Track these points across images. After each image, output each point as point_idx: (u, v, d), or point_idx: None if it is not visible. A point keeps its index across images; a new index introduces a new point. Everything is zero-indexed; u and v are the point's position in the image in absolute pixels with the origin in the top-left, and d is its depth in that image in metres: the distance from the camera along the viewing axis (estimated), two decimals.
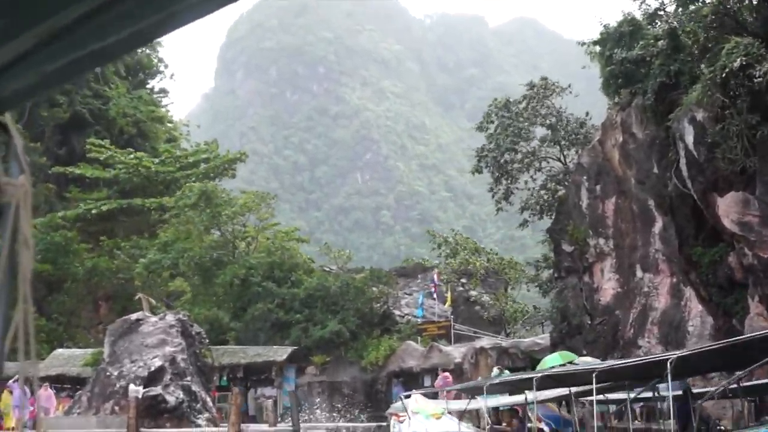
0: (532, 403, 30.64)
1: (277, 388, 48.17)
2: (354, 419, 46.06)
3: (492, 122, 50.51)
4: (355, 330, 49.82)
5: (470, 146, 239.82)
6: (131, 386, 35.53)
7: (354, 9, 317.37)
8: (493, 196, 50.85)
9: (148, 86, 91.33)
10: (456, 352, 46.93)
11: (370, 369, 48.74)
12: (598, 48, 43.21)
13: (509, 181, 49.46)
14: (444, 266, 55.97)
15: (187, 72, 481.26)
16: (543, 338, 45.78)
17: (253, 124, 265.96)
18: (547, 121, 48.79)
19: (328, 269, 56.96)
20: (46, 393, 40.16)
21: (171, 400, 37.25)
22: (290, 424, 38.74)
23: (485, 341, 47.07)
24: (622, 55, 39.89)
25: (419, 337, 49.96)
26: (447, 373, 43.39)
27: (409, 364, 47.99)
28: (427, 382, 47.18)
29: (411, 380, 48.04)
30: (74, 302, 60.82)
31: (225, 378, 48.21)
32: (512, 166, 49.09)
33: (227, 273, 52.01)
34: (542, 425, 31.83)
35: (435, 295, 51.43)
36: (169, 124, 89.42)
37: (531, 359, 44.11)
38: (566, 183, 46.31)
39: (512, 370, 42.56)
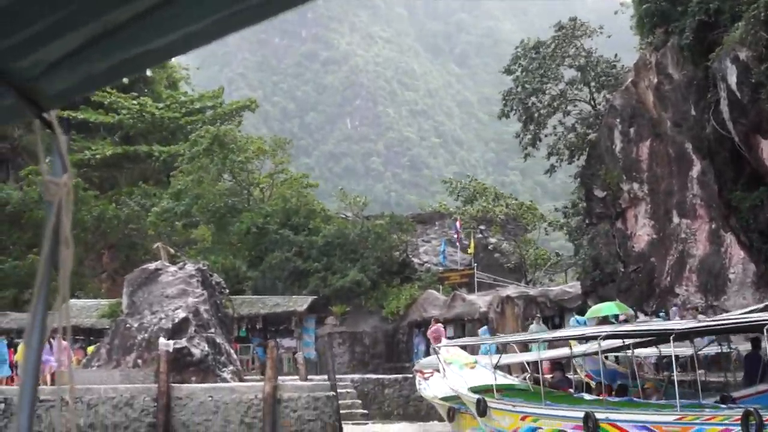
0: (580, 355, 29.58)
1: (296, 339, 47.04)
2: (375, 370, 45.05)
3: (519, 65, 48.83)
4: (375, 279, 48.58)
5: (459, 92, 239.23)
6: (161, 339, 34.31)
7: None
8: (520, 142, 49.36)
9: None
10: (480, 300, 45.71)
11: (390, 319, 47.62)
12: None
13: (537, 126, 47.96)
14: (462, 213, 54.53)
15: None
16: (572, 286, 44.54)
17: (241, 70, 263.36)
18: (576, 63, 47.20)
19: (343, 216, 55.56)
20: (61, 344, 38.83)
21: (196, 352, 36.03)
22: (319, 377, 37.75)
23: (511, 289, 45.86)
24: None
25: (440, 286, 48.78)
26: (440, 324, 42.05)
27: (431, 314, 46.71)
28: (450, 332, 46.06)
29: None
30: (82, 251, 59.37)
31: (244, 329, 47.03)
32: (540, 110, 47.57)
33: (244, 220, 50.59)
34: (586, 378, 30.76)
35: (457, 243, 50.14)
36: (169, 69, 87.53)
37: (560, 308, 43.00)
38: (597, 126, 44.93)
39: (545, 320, 41.46)
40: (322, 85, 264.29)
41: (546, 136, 48.92)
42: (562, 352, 30.42)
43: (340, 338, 47.73)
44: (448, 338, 43.56)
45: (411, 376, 41.27)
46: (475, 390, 28.22)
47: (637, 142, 39.97)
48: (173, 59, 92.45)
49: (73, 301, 50.55)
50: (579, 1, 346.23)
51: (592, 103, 47.51)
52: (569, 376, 31.14)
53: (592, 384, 29.75)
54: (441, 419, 36.15)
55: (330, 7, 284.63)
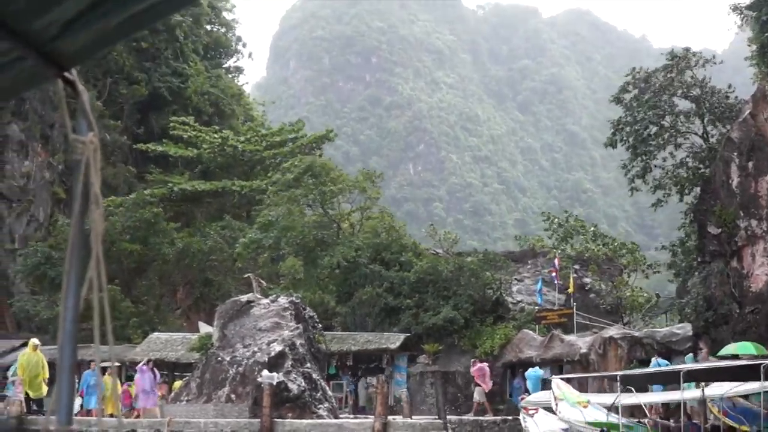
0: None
1: (387, 378, 45.29)
2: (468, 412, 43.00)
3: (628, 92, 46.87)
4: (468, 317, 46.72)
5: (522, 138, 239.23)
6: (264, 372, 32.79)
7: None
8: (626, 174, 47.31)
9: (224, 65, 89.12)
10: (580, 341, 43.53)
11: (484, 359, 45.63)
12: (752, 13, 39.68)
13: (647, 158, 45.91)
14: (560, 251, 52.34)
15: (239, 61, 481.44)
16: (681, 328, 42.19)
17: (305, 113, 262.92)
18: (691, 93, 45.19)
19: (434, 252, 53.74)
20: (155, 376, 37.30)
21: (293, 388, 34.46)
22: (421, 416, 36.06)
23: (613, 330, 43.60)
24: None
25: (537, 326, 46.81)
26: (483, 363, 40.57)
27: (527, 354, 44.73)
28: (546, 374, 44.09)
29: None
30: (162, 286, 58.21)
31: (333, 366, 45.37)
32: (650, 143, 45.50)
33: (335, 254, 48.95)
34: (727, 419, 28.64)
35: (556, 281, 48.10)
36: (246, 105, 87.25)
37: (668, 350, 40.77)
38: (709, 160, 42.88)
39: (646, 362, 39.38)
40: (385, 129, 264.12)
41: (654, 167, 46.81)
42: (695, 393, 28.35)
43: (432, 378, 45.83)
44: (543, 380, 41.73)
45: (510, 418, 39.44)
46: (594, 425, 26.60)
47: (756, 176, 37.86)
48: (251, 96, 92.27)
49: (156, 334, 49.42)
50: (644, 47, 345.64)
51: (705, 135, 45.47)
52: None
53: (728, 421, 27.84)
54: None
55: (394, 52, 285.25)
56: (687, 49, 46.29)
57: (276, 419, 30.97)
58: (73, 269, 2.46)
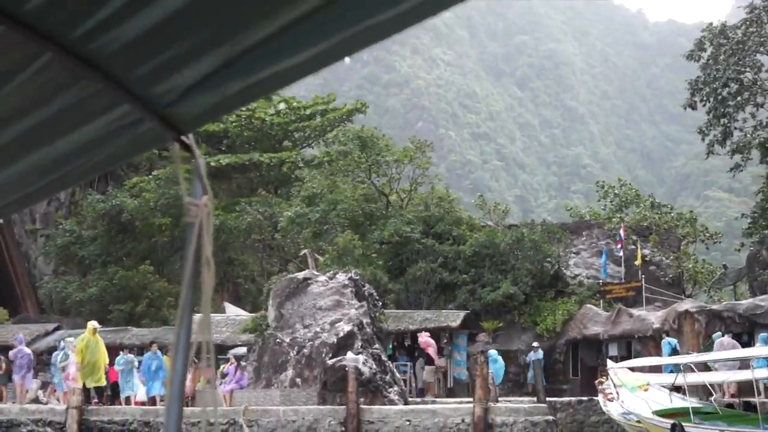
0: None
1: (446, 357, 42.79)
2: (532, 392, 40.60)
3: (704, 50, 44.11)
4: (528, 292, 44.21)
5: (521, 114, 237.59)
6: (349, 354, 30.25)
7: None
8: (703, 139, 44.67)
9: None
10: (652, 316, 41.05)
11: (546, 336, 43.15)
12: None
13: (727, 119, 43.21)
14: (621, 221, 49.57)
15: None
16: (764, 299, 39.73)
17: (303, 93, 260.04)
18: None
19: (484, 224, 51.09)
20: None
21: (365, 370, 31.85)
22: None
23: (688, 304, 41.12)
24: None
25: (600, 301, 44.34)
26: (427, 334, 39.87)
27: (592, 331, 42.38)
28: (613, 350, 41.72)
29: (593, 348, 42.82)
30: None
31: (390, 346, 42.74)
32: (729, 102, 42.73)
33: (387, 228, 46.35)
34: None
35: (621, 253, 45.41)
36: None
37: (751, 324, 38.33)
38: None
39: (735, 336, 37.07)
40: (383, 107, 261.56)
41: (734, 130, 44.15)
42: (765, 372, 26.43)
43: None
44: (610, 357, 39.41)
45: (585, 399, 37.13)
46: (660, 414, 24.98)
47: None
48: None
49: (197, 315, 46.86)
50: (641, 23, 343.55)
51: None
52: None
53: None
54: None
55: None
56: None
57: (363, 406, 28.38)
58: (183, 330, 2.49)
